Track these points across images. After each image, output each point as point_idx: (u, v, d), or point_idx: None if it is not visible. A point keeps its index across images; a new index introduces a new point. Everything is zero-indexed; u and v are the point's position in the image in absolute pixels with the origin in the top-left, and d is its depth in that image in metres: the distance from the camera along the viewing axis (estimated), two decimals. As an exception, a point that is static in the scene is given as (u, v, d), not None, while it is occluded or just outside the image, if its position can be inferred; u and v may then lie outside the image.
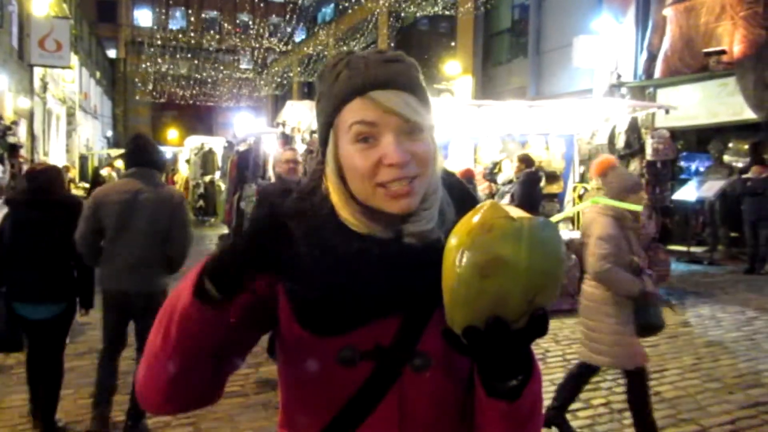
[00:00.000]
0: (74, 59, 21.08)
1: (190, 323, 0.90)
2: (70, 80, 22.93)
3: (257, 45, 30.29)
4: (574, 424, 4.14)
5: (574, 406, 4.41)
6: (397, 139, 0.94)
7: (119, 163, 20.30)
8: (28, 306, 3.72)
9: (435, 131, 1.02)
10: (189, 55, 33.22)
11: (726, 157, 11.45)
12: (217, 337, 0.93)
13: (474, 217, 0.82)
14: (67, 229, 3.65)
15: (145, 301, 3.61)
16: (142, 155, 3.75)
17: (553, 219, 0.87)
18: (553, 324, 6.69)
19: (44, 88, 18.94)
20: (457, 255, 0.80)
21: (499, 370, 0.85)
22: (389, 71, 0.96)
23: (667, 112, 8.85)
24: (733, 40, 10.17)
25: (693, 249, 10.78)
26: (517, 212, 0.82)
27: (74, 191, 13.69)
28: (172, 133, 41.79)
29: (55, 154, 21.26)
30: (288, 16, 27.74)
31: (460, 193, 1.09)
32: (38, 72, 17.84)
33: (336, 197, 1.00)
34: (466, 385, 1.01)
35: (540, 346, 5.88)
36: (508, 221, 0.80)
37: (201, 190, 16.30)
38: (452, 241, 0.83)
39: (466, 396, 1.01)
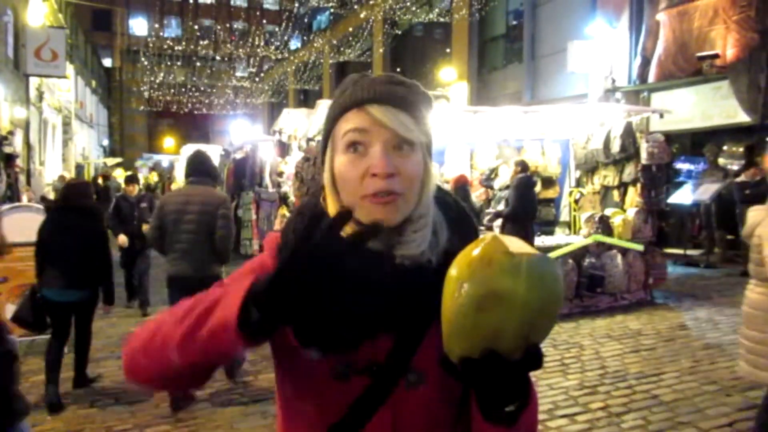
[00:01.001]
0: (70, 68, 21.07)
1: (220, 343, 0.87)
2: (65, 89, 22.91)
3: (253, 53, 30.32)
4: (572, 428, 4.15)
5: (572, 410, 4.43)
6: (385, 150, 0.97)
7: (118, 172, 20.31)
8: (62, 291, 4.57)
9: (429, 153, 1.04)
10: (184, 64, 33.25)
11: (721, 160, 11.49)
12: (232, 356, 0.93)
13: (475, 250, 0.83)
14: (90, 230, 4.68)
15: (197, 283, 4.09)
16: (197, 167, 4.74)
17: (553, 255, 0.88)
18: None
19: (40, 97, 18.93)
20: (456, 286, 0.81)
21: (496, 397, 0.86)
22: (389, 90, 1.00)
23: (661, 116, 8.90)
24: (726, 44, 10.23)
25: (689, 252, 10.81)
26: (518, 246, 0.83)
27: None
28: (168, 141, 41.81)
29: (51, 163, 21.22)
30: (283, 24, 27.78)
31: (457, 214, 1.10)
32: (34, 81, 17.82)
33: (331, 204, 1.03)
34: (458, 402, 1.02)
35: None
36: (507, 256, 0.80)
37: (198, 198, 16.29)
38: (452, 272, 0.84)
39: (458, 413, 1.02)
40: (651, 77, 11.88)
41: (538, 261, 0.81)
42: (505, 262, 0.80)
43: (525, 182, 8.05)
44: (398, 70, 21.86)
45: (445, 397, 1.01)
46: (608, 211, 8.26)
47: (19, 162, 14.92)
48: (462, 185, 8.08)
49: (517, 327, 0.80)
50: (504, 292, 0.79)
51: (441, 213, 1.07)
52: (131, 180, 8.21)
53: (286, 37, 28.93)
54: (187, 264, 4.44)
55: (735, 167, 11.19)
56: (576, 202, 9.31)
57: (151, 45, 31.58)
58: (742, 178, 9.60)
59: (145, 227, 6.76)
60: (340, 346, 0.98)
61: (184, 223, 4.45)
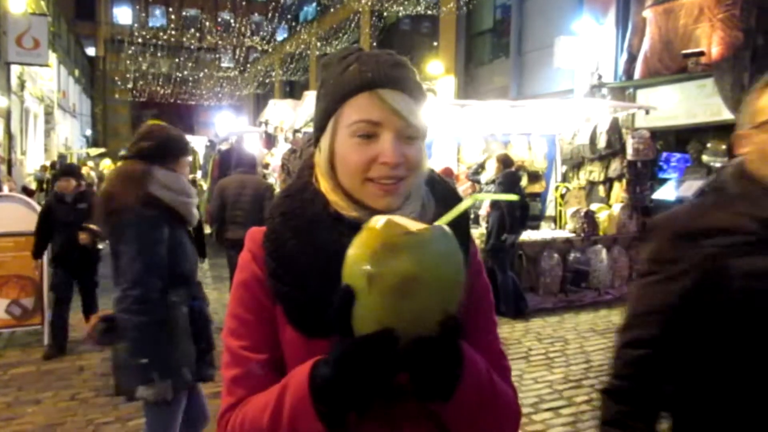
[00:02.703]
0: (52, 57, 20.76)
1: None
2: (48, 78, 22.57)
3: (238, 43, 30.09)
4: (556, 421, 4.18)
5: (557, 403, 4.46)
6: (396, 140, 0.97)
7: (107, 162, 20.12)
8: None
9: (426, 137, 1.06)
10: (169, 54, 32.91)
11: (704, 157, 11.60)
12: None
13: (375, 239, 0.79)
14: None
15: None
16: (245, 161, 6.61)
17: (442, 221, 0.84)
18: (536, 323, 6.73)
19: (22, 86, 18.63)
20: (365, 281, 0.77)
21: (423, 376, 0.84)
22: (398, 73, 0.99)
23: (647, 112, 8.96)
24: (711, 42, 10.31)
25: (672, 248, 10.90)
26: (414, 225, 0.81)
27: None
28: (152, 132, 41.27)
29: (33, 153, 20.93)
30: (270, 15, 27.57)
31: (443, 191, 1.12)
32: (15, 70, 17.53)
33: (324, 183, 1.03)
34: None
35: (523, 345, 5.93)
36: (409, 237, 0.78)
37: (182, 189, 16.18)
38: (361, 267, 0.78)
39: None
40: (637, 74, 11.94)
41: (438, 235, 0.80)
42: (410, 243, 0.78)
43: (511, 177, 8.07)
44: (385, 63, 21.70)
45: None
46: (594, 206, 8.31)
47: (0, 152, 14.70)
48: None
49: (434, 303, 0.79)
50: (416, 273, 0.77)
51: (428, 190, 1.09)
52: (67, 173, 5.88)
53: (272, 28, 28.73)
54: (244, 230, 5.51)
55: (718, 164, 11.30)
56: (562, 197, 9.36)
57: (135, 34, 31.21)
58: None
59: (83, 236, 5.32)
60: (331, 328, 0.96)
61: (241, 202, 6.07)
